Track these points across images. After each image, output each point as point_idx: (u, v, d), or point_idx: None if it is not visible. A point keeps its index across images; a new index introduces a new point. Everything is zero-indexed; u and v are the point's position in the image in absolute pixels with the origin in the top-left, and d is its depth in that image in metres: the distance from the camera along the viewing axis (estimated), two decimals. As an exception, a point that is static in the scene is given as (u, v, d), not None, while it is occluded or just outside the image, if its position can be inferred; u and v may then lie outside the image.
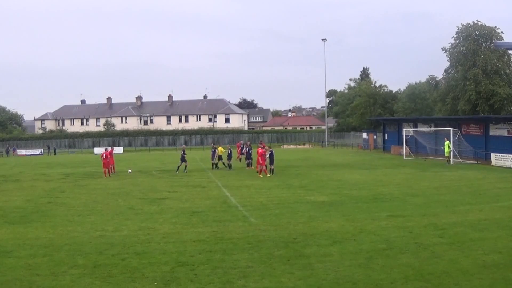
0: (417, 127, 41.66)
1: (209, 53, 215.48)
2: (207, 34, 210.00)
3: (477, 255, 9.02)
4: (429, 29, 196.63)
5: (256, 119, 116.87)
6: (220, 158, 30.21)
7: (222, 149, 30.86)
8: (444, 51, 47.45)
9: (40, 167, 37.41)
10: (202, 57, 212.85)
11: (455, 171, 26.14)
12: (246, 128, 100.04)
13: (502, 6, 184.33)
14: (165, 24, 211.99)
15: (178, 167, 28.75)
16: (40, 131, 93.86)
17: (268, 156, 25.24)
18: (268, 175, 24.76)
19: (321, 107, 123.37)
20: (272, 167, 25.62)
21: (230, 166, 29.38)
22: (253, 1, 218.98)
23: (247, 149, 31.66)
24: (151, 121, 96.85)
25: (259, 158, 24.95)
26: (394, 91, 71.92)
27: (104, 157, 27.14)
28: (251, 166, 29.70)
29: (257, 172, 25.29)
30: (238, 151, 35.80)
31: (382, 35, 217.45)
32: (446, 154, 31.36)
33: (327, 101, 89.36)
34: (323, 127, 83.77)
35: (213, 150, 31.05)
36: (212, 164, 30.58)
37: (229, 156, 29.74)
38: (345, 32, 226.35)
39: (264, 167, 25.00)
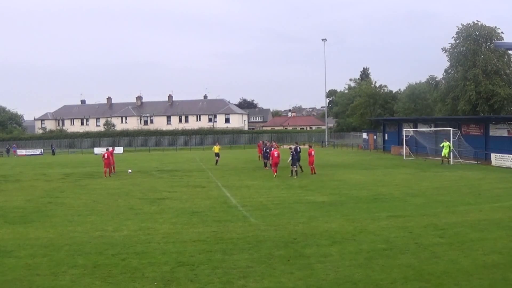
0: (417, 127, 41.62)
1: (209, 53, 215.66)
2: (207, 34, 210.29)
3: (477, 255, 9.02)
4: (429, 29, 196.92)
5: (256, 119, 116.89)
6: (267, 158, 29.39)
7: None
8: (444, 51, 47.56)
9: (40, 167, 37.41)
10: (202, 57, 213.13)
11: (455, 171, 26.13)
12: (246, 128, 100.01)
13: (502, 6, 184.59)
14: (165, 24, 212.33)
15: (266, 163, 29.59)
16: (40, 131, 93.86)
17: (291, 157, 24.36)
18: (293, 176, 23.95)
19: (321, 107, 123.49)
20: (295, 168, 24.54)
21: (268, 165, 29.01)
22: (254, 0, 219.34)
23: (267, 149, 30.70)
24: (151, 121, 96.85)
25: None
26: (394, 91, 72.05)
27: (105, 157, 27.18)
28: (266, 167, 29.31)
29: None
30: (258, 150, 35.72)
31: (383, 35, 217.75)
32: (446, 155, 30.82)
33: (327, 101, 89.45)
34: (323, 127, 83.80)
35: (268, 150, 30.28)
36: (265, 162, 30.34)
37: (266, 155, 29.42)
38: (346, 32, 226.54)
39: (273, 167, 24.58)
